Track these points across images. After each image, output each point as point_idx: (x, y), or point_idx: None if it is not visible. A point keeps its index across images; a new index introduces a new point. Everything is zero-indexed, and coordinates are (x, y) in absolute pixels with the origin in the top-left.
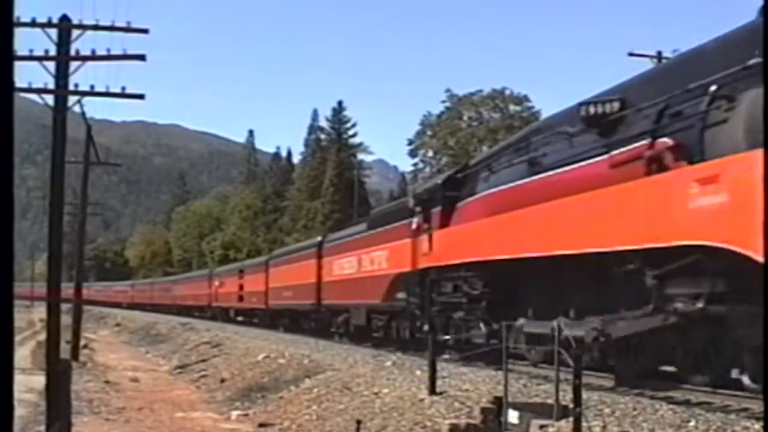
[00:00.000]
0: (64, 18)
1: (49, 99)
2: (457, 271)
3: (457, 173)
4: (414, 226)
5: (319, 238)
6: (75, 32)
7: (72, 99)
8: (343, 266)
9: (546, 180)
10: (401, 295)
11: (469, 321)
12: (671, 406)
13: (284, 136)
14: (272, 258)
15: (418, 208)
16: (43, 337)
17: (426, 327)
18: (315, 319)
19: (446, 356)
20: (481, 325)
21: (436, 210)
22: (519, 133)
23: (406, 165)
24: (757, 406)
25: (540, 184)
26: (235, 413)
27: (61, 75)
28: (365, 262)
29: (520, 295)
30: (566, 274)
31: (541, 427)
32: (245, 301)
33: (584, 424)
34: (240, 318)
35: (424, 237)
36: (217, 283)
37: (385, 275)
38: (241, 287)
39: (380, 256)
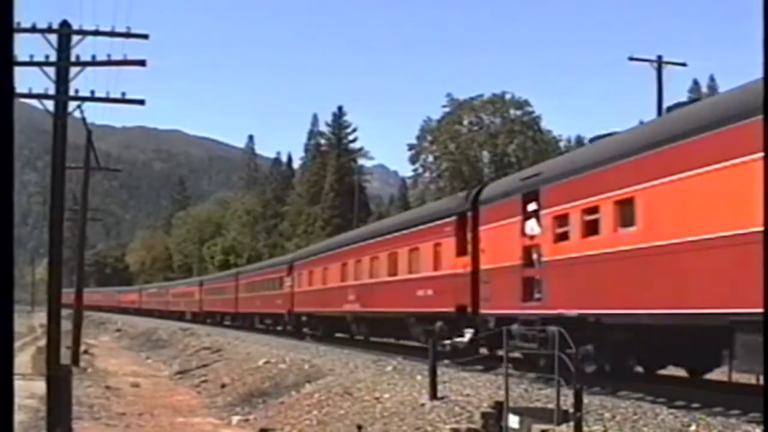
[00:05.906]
0: (65, 23)
1: (50, 104)
2: None
3: None
4: None
5: None
6: (75, 38)
7: (72, 104)
8: None
9: None
10: None
11: None
12: (672, 410)
13: (284, 142)
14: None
15: None
16: (43, 342)
17: None
18: None
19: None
20: None
21: None
22: None
23: (406, 170)
24: (757, 411)
25: None
26: (235, 418)
27: (62, 80)
28: None
29: None
30: None
31: (542, 431)
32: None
33: (585, 428)
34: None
35: None
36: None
37: None
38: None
39: None
